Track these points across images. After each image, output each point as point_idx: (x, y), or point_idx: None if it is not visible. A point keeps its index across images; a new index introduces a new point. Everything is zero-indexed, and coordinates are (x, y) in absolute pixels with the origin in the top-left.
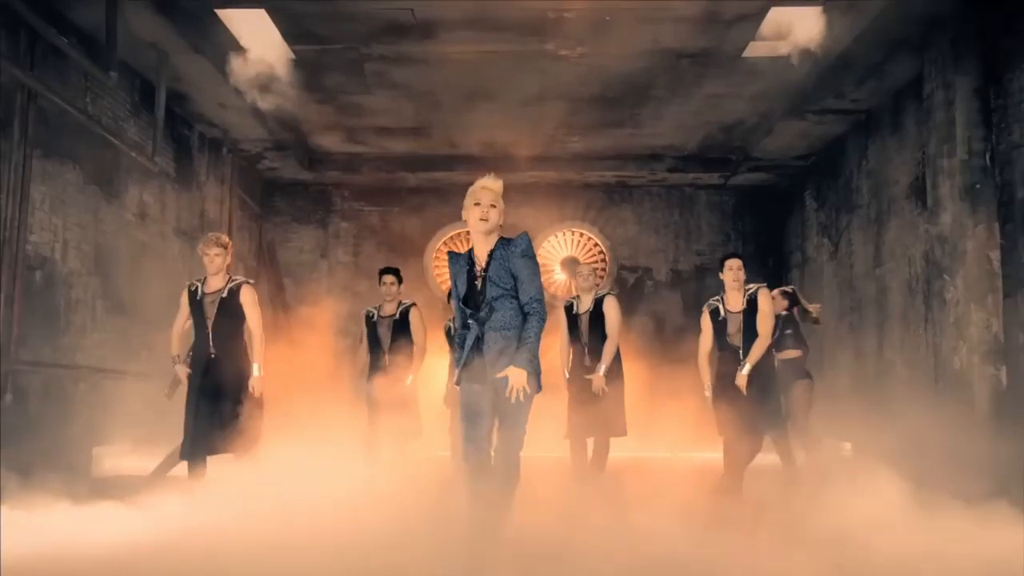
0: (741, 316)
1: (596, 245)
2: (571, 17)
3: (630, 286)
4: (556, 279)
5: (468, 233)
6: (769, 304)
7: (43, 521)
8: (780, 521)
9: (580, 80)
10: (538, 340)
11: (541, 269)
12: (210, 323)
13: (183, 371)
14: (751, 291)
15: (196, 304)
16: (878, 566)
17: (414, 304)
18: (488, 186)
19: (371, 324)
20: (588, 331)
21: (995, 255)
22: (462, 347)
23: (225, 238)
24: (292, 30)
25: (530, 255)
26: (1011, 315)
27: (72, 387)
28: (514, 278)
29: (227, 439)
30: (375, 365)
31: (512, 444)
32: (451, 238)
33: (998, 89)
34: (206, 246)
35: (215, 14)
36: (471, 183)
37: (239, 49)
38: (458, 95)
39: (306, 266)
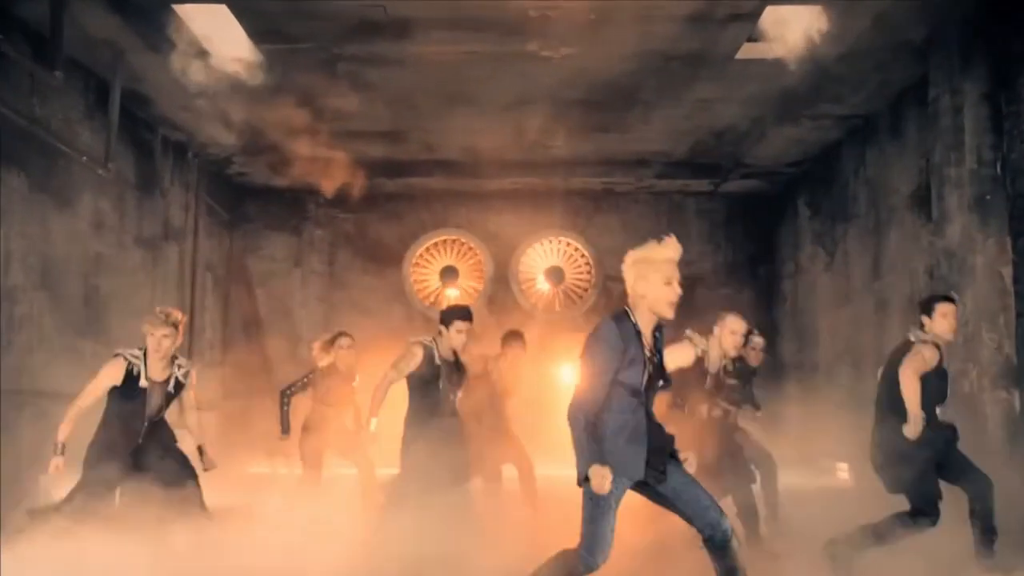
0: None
1: (581, 254)
2: (554, 16)
3: (617, 297)
4: (539, 289)
5: (453, 242)
6: None
7: None
8: None
9: (564, 83)
10: None
11: (525, 280)
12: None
13: None
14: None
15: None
16: None
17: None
18: (674, 257)
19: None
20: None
21: (1007, 271)
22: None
23: (177, 315)
24: (257, 28)
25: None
26: None
27: (15, 412)
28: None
29: None
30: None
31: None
32: (432, 246)
33: (1009, 95)
34: (152, 325)
35: (172, 9)
36: (450, 189)
37: (200, 47)
38: (436, 98)
39: (279, 275)
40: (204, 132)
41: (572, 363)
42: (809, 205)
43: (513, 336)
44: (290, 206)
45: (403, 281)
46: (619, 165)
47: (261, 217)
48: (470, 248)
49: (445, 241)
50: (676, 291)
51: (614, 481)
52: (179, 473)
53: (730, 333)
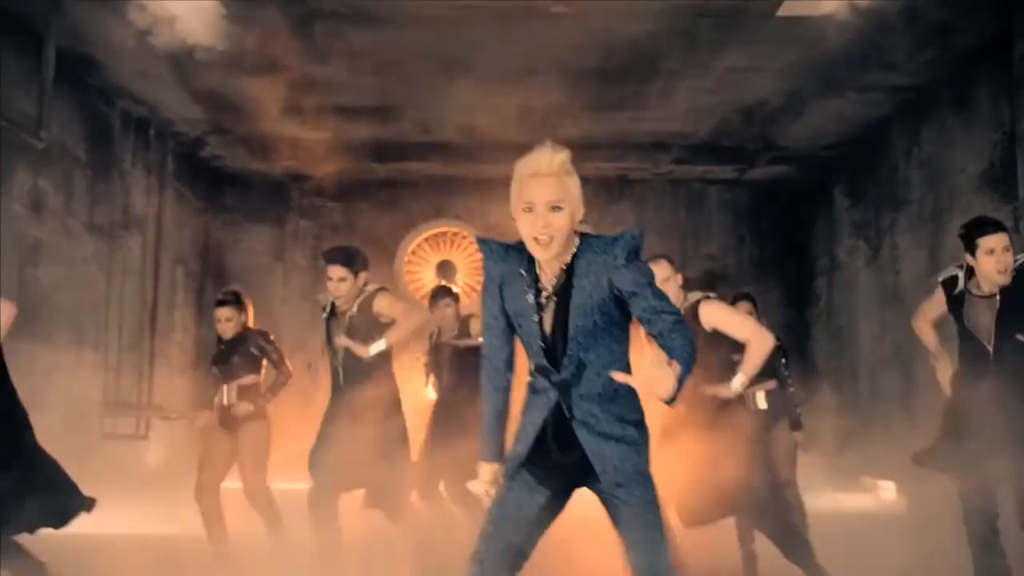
0: (998, 299)
1: None
2: None
3: None
4: None
5: (451, 235)
6: None
7: None
8: None
9: (576, 48)
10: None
11: None
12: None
13: None
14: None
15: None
16: None
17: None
18: (543, 172)
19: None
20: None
21: None
22: (525, 422)
23: None
24: None
25: (639, 258)
26: None
27: None
28: (618, 300)
29: None
30: None
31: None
32: (427, 239)
33: None
34: None
35: None
36: (448, 175)
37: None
38: (430, 66)
39: (259, 270)
40: (168, 106)
41: None
42: (848, 194)
43: (442, 292)
44: (271, 194)
45: (396, 277)
46: (635, 148)
47: (239, 206)
48: (469, 241)
49: (442, 233)
50: (535, 223)
51: (511, 473)
52: None
53: (662, 281)
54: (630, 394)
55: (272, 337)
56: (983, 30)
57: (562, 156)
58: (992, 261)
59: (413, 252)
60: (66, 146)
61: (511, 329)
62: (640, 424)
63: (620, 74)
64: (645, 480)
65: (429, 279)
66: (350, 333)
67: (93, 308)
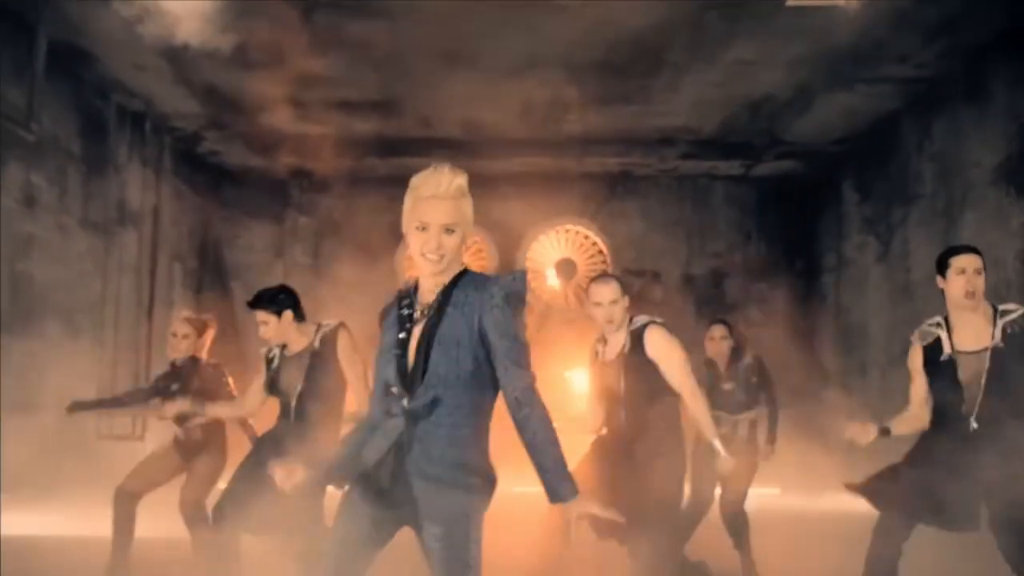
0: (987, 357)
1: (595, 245)
2: None
3: (635, 293)
4: (549, 286)
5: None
6: None
7: None
8: None
9: (580, 41)
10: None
11: (534, 274)
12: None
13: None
14: (1015, 313)
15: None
16: None
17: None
18: (441, 195)
19: None
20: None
21: None
22: (366, 443)
23: None
24: None
25: (517, 305)
26: None
27: None
28: (483, 342)
29: None
30: None
31: None
32: None
33: None
34: None
35: None
36: None
37: None
38: (431, 60)
39: (258, 268)
40: (164, 100)
41: (582, 367)
42: (857, 188)
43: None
44: (270, 190)
45: (396, 275)
46: (639, 144)
47: (238, 202)
48: (471, 240)
49: None
50: (427, 243)
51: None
52: None
53: (594, 305)
54: (480, 442)
55: (226, 374)
56: (996, 20)
57: (460, 180)
58: (962, 281)
59: None
60: (59, 140)
61: None
62: (484, 474)
63: (625, 67)
64: (467, 527)
65: None
66: (311, 369)
67: (88, 306)
